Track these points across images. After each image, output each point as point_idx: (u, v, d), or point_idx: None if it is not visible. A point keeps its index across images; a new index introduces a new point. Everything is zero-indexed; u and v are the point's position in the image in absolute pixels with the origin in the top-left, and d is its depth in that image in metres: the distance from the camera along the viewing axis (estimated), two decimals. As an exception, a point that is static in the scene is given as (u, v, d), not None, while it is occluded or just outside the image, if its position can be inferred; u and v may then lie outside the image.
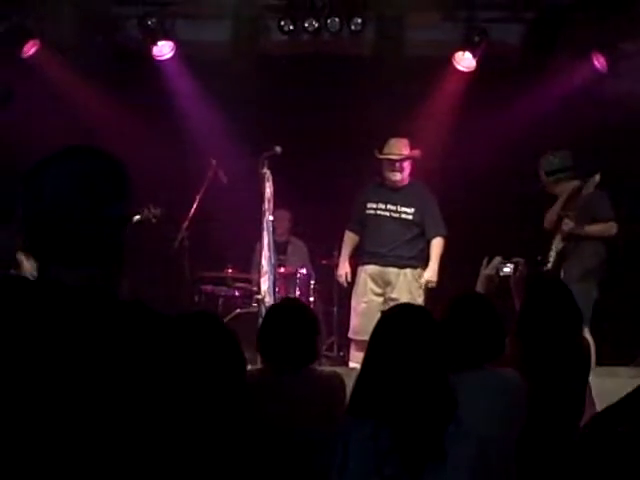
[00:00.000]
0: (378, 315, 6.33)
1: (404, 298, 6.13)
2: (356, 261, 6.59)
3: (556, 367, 3.31)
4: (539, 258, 6.13)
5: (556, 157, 6.24)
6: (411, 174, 6.43)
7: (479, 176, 7.37)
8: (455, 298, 3.18)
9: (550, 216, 6.20)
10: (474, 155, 7.37)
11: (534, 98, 7.16)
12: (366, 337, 6.46)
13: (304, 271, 7.33)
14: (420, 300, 6.21)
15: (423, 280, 6.29)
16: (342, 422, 2.49)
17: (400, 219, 6.33)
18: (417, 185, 6.44)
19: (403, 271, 6.30)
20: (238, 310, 7.05)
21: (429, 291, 6.34)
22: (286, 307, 3.54)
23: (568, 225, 6.03)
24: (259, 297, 6.30)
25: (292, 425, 3.02)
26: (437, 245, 6.33)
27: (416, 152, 6.38)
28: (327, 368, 6.92)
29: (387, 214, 6.36)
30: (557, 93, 7.13)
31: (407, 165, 6.35)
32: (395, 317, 2.60)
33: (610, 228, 6.06)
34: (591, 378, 4.87)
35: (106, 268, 1.53)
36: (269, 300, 6.16)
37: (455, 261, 6.51)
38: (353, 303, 6.47)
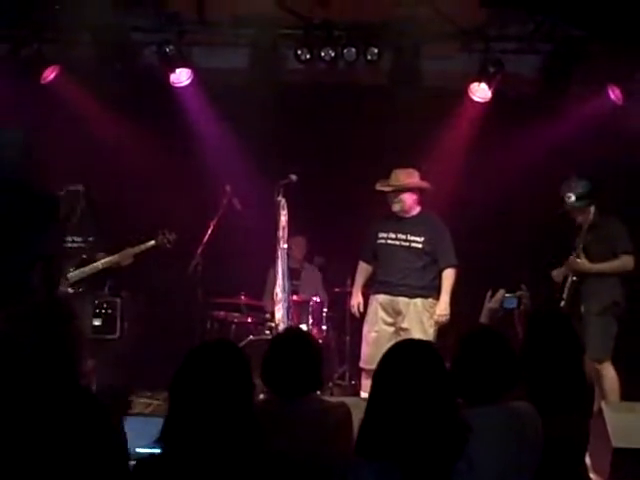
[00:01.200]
0: (388, 345, 6.35)
1: (415, 328, 6.12)
2: (368, 290, 6.58)
3: (559, 400, 3.27)
4: (558, 295, 6.09)
5: (583, 182, 6.14)
6: (420, 204, 6.42)
7: (493, 207, 7.38)
8: (467, 332, 3.16)
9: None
10: (488, 186, 7.38)
11: (549, 129, 7.16)
12: (374, 366, 6.43)
13: (317, 299, 7.33)
14: (431, 330, 6.18)
15: (435, 315, 6.26)
16: (351, 462, 2.45)
17: (410, 248, 6.32)
18: (427, 215, 6.43)
19: (413, 301, 6.28)
20: (251, 337, 7.05)
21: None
22: (290, 336, 3.53)
23: (574, 265, 5.98)
24: (273, 325, 6.30)
25: (296, 453, 2.99)
26: (448, 276, 6.30)
27: (414, 182, 6.35)
28: (338, 398, 6.93)
29: (397, 243, 6.35)
30: (572, 125, 7.13)
31: (408, 195, 6.34)
32: (398, 353, 2.58)
33: (628, 262, 5.99)
34: (609, 413, 4.85)
35: None
36: (283, 328, 6.16)
37: (469, 291, 6.48)
38: (364, 332, 6.45)
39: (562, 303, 6.07)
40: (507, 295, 3.99)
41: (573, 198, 6.11)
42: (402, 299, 6.29)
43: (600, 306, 5.93)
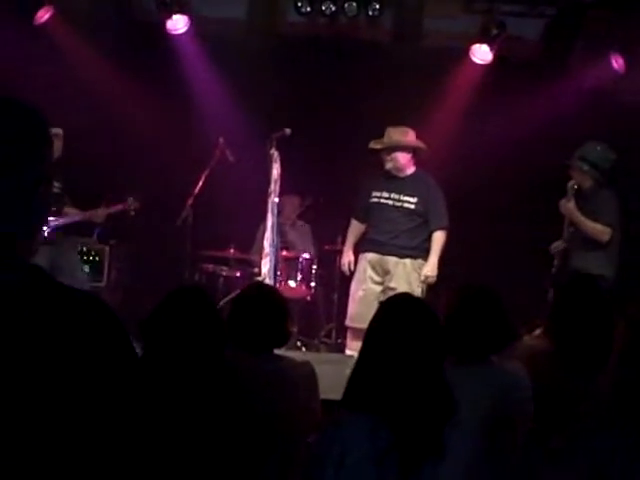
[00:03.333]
0: (375, 304, 6.32)
1: (402, 288, 6.05)
2: (358, 248, 6.54)
3: (586, 359, 3.26)
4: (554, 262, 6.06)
5: (600, 150, 6.01)
6: (415, 164, 6.35)
7: (491, 168, 7.31)
8: (461, 289, 3.13)
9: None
10: (486, 147, 7.31)
11: (549, 94, 7.08)
12: (362, 325, 6.42)
13: (307, 256, 7.28)
14: (418, 291, 6.12)
15: (422, 275, 6.23)
16: (336, 415, 2.42)
17: (402, 208, 6.26)
18: (422, 175, 6.36)
19: (403, 261, 6.23)
20: (238, 290, 7.00)
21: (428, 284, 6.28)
22: (254, 292, 3.49)
23: (563, 205, 5.95)
24: (259, 279, 6.25)
25: (263, 407, 2.97)
26: (438, 238, 6.25)
27: (408, 140, 6.26)
28: (324, 355, 6.94)
29: (390, 203, 6.28)
30: (573, 91, 7.05)
31: (401, 154, 6.25)
32: (392, 308, 2.54)
33: (603, 233, 5.92)
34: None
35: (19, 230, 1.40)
36: (269, 282, 6.12)
37: (459, 253, 6.47)
38: (352, 290, 6.41)
39: (553, 270, 6.04)
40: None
41: (577, 156, 6.05)
42: (391, 258, 6.24)
43: None
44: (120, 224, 7.14)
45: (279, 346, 3.32)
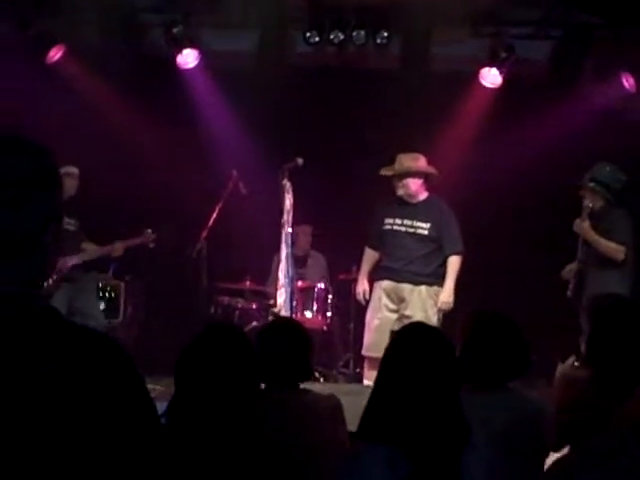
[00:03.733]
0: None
1: (418, 315, 6.02)
2: (373, 276, 6.50)
3: (625, 386, 3.20)
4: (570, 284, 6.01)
5: (611, 171, 6.03)
6: (428, 189, 6.33)
7: (502, 193, 7.29)
8: (477, 315, 3.09)
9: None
10: (497, 172, 7.29)
11: (560, 116, 7.05)
12: (378, 354, 6.41)
13: (322, 286, 7.26)
14: (434, 319, 6.08)
15: (439, 302, 6.18)
16: (353, 447, 2.39)
17: (415, 234, 6.23)
18: (434, 200, 6.34)
19: (418, 288, 6.19)
20: (254, 323, 6.99)
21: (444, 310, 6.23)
22: (276, 326, 3.51)
23: (577, 225, 5.93)
24: (275, 310, 6.24)
25: (284, 444, 2.94)
26: (453, 263, 6.21)
27: (418, 166, 6.24)
28: (342, 385, 6.89)
29: (403, 229, 6.26)
30: (584, 112, 7.03)
31: (412, 180, 6.24)
32: (407, 336, 2.52)
33: (617, 252, 5.90)
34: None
35: (27, 267, 1.40)
36: (285, 314, 6.10)
37: (473, 279, 6.42)
38: (367, 319, 6.37)
39: (568, 293, 6.00)
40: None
41: (589, 177, 6.04)
42: (406, 286, 6.20)
43: None
44: (136, 259, 7.16)
45: (303, 380, 3.31)
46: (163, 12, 7.24)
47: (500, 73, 7.15)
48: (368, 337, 6.30)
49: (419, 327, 2.65)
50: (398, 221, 6.28)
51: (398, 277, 6.22)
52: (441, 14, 6.84)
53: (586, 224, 5.94)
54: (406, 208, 6.30)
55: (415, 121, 6.99)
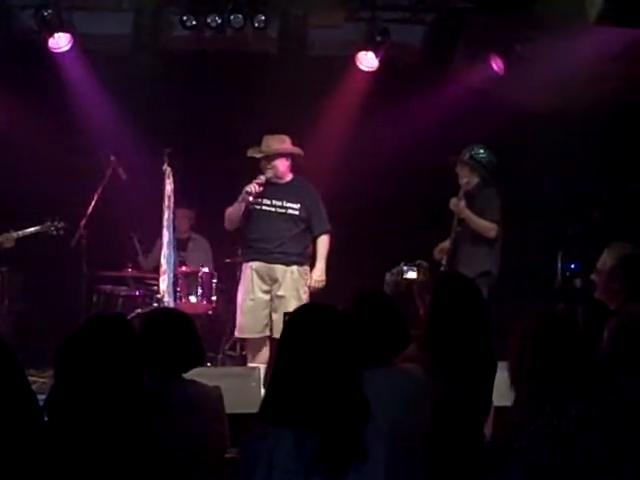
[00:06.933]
0: (264, 313, 6.33)
1: (290, 296, 6.10)
2: (242, 257, 6.50)
3: (464, 369, 3.33)
4: (443, 261, 6.23)
5: (488, 151, 6.32)
6: (292, 170, 6.39)
7: (378, 175, 7.46)
8: (356, 294, 3.18)
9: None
10: (374, 154, 7.45)
11: (434, 98, 7.27)
12: (252, 334, 6.48)
13: (206, 270, 7.24)
14: (305, 297, 6.16)
15: (312, 280, 6.25)
16: (259, 430, 2.41)
17: (285, 214, 6.27)
18: (302, 181, 6.38)
19: (290, 268, 6.22)
20: (138, 310, 6.92)
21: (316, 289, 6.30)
22: (155, 318, 3.48)
23: (454, 203, 6.16)
24: (158, 297, 6.19)
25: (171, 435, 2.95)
26: (324, 243, 6.29)
27: (285, 147, 6.28)
28: (229, 368, 6.91)
29: (273, 210, 6.27)
30: (456, 94, 7.26)
31: (280, 161, 6.27)
32: (302, 317, 2.56)
33: (490, 229, 6.17)
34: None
35: None
36: (168, 299, 6.08)
37: (347, 260, 6.55)
38: (239, 300, 6.31)
39: (441, 268, 6.21)
40: (407, 265, 4.01)
41: (467, 155, 6.28)
42: (279, 266, 6.21)
43: (470, 274, 6.06)
44: (12, 250, 6.95)
45: (193, 367, 3.31)
46: (33, -6, 7.00)
47: (376, 57, 7.28)
48: (240, 319, 6.27)
49: (313, 307, 2.71)
50: (267, 201, 6.28)
51: (270, 258, 6.21)
52: (317, -1, 6.92)
53: (462, 202, 6.18)
54: (274, 189, 6.29)
55: (293, 105, 7.04)
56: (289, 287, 6.18)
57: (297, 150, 6.36)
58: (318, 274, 6.24)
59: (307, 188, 6.35)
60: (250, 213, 6.28)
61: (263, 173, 6.28)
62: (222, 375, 5.67)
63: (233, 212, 6.28)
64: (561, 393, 2.68)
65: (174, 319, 3.39)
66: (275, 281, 6.23)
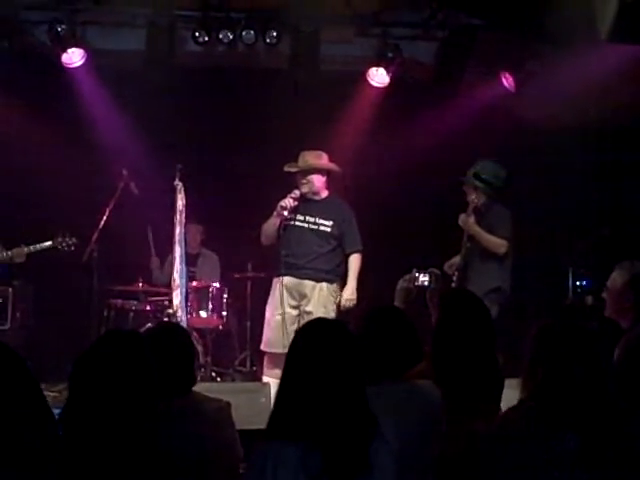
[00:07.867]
0: (292, 328, 6.27)
1: (319, 312, 6.08)
2: (272, 272, 6.52)
3: (470, 386, 3.30)
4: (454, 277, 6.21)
5: (492, 167, 6.26)
6: (328, 187, 6.41)
7: (389, 191, 7.47)
8: (369, 311, 3.18)
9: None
10: (386, 170, 7.46)
11: (445, 115, 7.28)
12: (279, 350, 6.37)
13: (217, 285, 7.25)
14: (333, 315, 6.16)
15: (342, 299, 6.23)
16: (264, 446, 2.40)
17: (318, 231, 6.29)
18: (335, 199, 6.42)
19: (319, 285, 6.24)
20: (149, 325, 6.92)
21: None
22: (154, 335, 3.41)
23: (462, 220, 6.15)
24: (170, 312, 6.20)
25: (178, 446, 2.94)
26: (355, 261, 6.29)
27: (322, 163, 6.31)
28: (239, 383, 6.91)
29: (306, 226, 6.29)
30: (467, 110, 7.27)
31: (316, 177, 6.30)
32: (311, 332, 2.55)
33: (500, 246, 6.14)
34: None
35: None
36: (181, 314, 6.08)
37: (371, 277, 6.54)
38: (267, 315, 6.33)
39: (452, 284, 6.19)
40: (418, 274, 4.00)
41: (471, 174, 6.27)
42: (308, 282, 6.23)
43: (480, 290, 6.04)
44: (26, 264, 6.99)
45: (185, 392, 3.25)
46: (47, 10, 7.06)
47: (387, 73, 7.31)
48: (268, 333, 6.27)
49: (321, 322, 2.69)
50: (300, 217, 6.31)
51: (300, 273, 6.24)
52: (327, 14, 6.95)
53: (471, 219, 6.17)
54: (309, 205, 6.32)
55: (305, 120, 7.07)
56: (317, 303, 6.19)
57: (333, 167, 6.38)
58: (349, 293, 6.24)
59: (342, 206, 6.38)
60: (283, 228, 6.29)
61: (298, 188, 6.28)
62: (232, 390, 5.67)
63: (268, 227, 6.31)
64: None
65: (174, 336, 3.36)
66: (304, 297, 6.24)
